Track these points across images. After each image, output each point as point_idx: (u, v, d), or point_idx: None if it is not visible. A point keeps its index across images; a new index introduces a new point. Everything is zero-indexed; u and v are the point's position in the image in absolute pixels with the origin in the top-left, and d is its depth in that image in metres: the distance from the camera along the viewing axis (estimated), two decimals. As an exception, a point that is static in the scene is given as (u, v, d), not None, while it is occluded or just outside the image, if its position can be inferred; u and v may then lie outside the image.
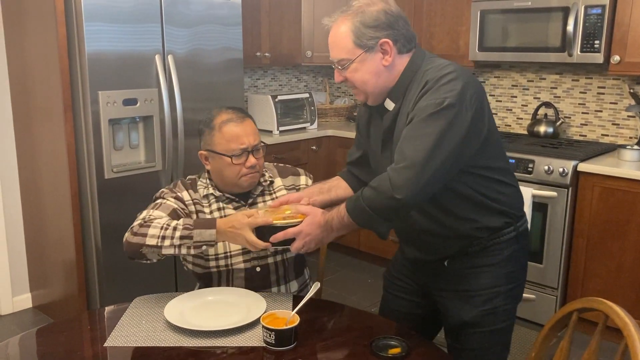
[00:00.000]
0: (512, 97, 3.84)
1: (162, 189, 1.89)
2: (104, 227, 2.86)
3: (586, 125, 3.55)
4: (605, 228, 2.93)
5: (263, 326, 1.46)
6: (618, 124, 3.42)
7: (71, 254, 2.97)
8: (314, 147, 4.06)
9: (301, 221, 1.61)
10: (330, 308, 1.77)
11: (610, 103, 3.43)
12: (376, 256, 3.99)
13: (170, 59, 2.97)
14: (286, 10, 4.02)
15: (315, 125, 4.18)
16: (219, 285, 1.86)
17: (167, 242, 1.64)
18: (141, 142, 3.01)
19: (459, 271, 1.69)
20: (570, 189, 2.99)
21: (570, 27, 3.07)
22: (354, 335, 1.59)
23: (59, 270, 3.12)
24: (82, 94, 2.77)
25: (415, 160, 1.43)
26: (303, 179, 2.02)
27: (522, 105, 3.81)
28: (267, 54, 3.96)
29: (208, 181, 1.90)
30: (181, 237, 1.64)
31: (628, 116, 3.37)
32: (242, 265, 1.84)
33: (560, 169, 2.99)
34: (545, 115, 3.64)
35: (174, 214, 1.77)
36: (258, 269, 1.85)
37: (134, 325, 1.60)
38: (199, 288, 1.89)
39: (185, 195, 1.86)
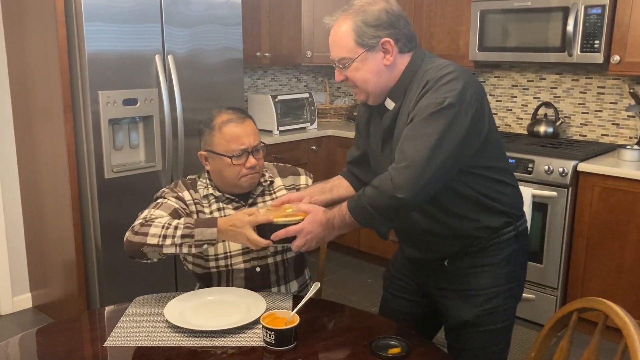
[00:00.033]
0: (512, 97, 3.85)
1: (163, 189, 1.89)
2: (104, 227, 2.86)
3: (586, 125, 3.55)
4: (605, 228, 2.93)
5: (263, 326, 1.46)
6: (618, 124, 3.43)
7: (71, 253, 2.97)
8: (314, 147, 4.06)
9: (302, 219, 1.60)
10: (330, 308, 1.77)
11: (610, 103, 3.43)
12: (376, 256, 3.99)
13: (170, 59, 2.97)
14: (286, 10, 4.02)
15: (315, 125, 4.18)
16: (219, 285, 1.86)
17: (168, 241, 1.64)
18: (141, 142, 3.01)
19: (459, 271, 1.69)
20: (570, 188, 2.99)
21: (570, 27, 3.07)
22: (354, 335, 1.59)
23: (59, 270, 3.12)
24: (82, 93, 2.77)
25: (417, 160, 1.43)
26: (303, 179, 2.02)
27: (522, 105, 3.81)
28: (267, 54, 3.96)
29: (208, 181, 1.90)
30: (182, 236, 1.64)
31: (628, 116, 3.37)
32: (242, 266, 1.84)
33: (560, 169, 2.99)
34: (545, 115, 3.64)
35: (175, 214, 1.77)
36: (258, 269, 1.85)
37: (134, 325, 1.60)
38: (199, 288, 1.89)
39: (186, 195, 1.86)
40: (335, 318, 1.71)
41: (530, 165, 3.09)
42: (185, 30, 3.03)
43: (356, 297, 3.57)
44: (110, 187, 2.86)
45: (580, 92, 3.54)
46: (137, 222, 1.71)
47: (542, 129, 3.56)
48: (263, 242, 1.62)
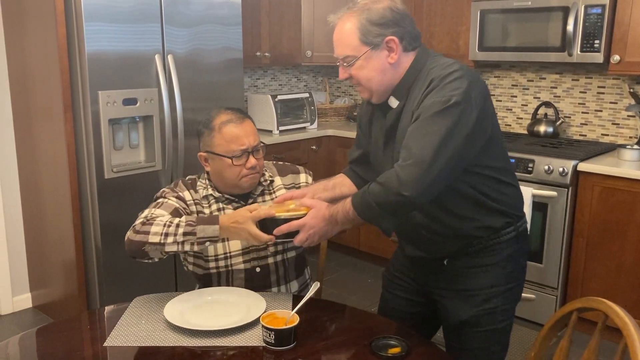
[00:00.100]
0: (512, 96, 3.84)
1: (163, 189, 1.88)
2: (104, 227, 2.86)
3: (586, 124, 3.55)
4: (605, 228, 2.93)
5: (263, 326, 1.46)
6: (618, 124, 3.42)
7: (71, 253, 2.97)
8: (314, 147, 4.06)
9: (305, 214, 1.59)
10: (330, 308, 1.77)
11: (610, 103, 3.43)
12: (376, 256, 3.99)
13: (170, 58, 2.97)
14: (286, 10, 4.02)
15: (315, 125, 4.18)
16: (219, 286, 1.86)
17: (170, 239, 1.64)
18: (141, 142, 3.01)
19: (459, 270, 1.69)
20: (570, 188, 2.99)
21: (570, 27, 3.07)
22: (354, 335, 1.59)
23: (59, 270, 3.12)
24: (82, 93, 2.77)
25: (423, 158, 1.43)
26: (303, 177, 2.02)
27: (522, 105, 3.81)
28: (267, 54, 3.96)
29: (207, 182, 1.90)
30: (184, 234, 1.64)
31: (628, 116, 3.37)
32: (242, 266, 1.84)
33: (560, 169, 2.99)
34: (545, 115, 3.64)
35: (176, 213, 1.77)
36: (258, 269, 1.85)
37: (134, 325, 1.60)
38: (199, 288, 1.89)
39: (187, 195, 1.86)
40: (335, 318, 1.71)
41: (530, 165, 3.09)
42: (185, 30, 3.03)
43: (356, 297, 3.57)
44: (110, 187, 2.86)
45: (580, 92, 3.54)
46: (138, 222, 1.71)
47: (542, 128, 3.56)
48: (265, 237, 1.61)
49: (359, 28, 1.56)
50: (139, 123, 2.99)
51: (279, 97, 4.00)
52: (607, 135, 3.47)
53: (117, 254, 2.90)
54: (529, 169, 3.09)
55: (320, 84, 4.90)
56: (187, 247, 1.65)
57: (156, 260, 1.71)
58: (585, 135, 3.56)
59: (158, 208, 1.77)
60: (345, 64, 1.61)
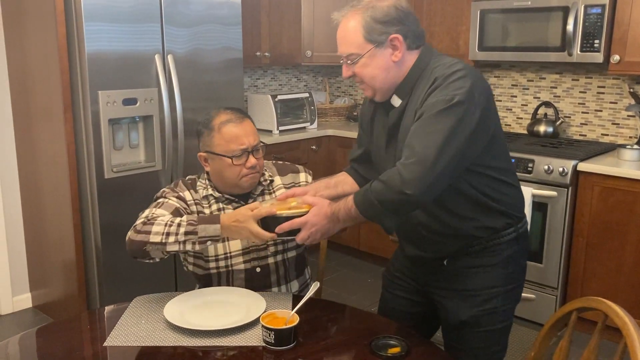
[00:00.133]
0: (512, 96, 3.84)
1: (163, 189, 1.88)
2: (104, 227, 2.86)
3: (586, 124, 3.55)
4: (605, 228, 2.93)
5: (262, 326, 1.46)
6: (618, 124, 3.42)
7: (71, 253, 2.97)
8: (314, 147, 4.06)
9: (307, 211, 1.59)
10: (330, 308, 1.77)
11: (610, 102, 3.43)
12: (376, 256, 3.99)
13: (170, 58, 2.97)
14: (286, 10, 4.02)
15: (315, 125, 4.18)
16: (219, 286, 1.86)
17: (171, 239, 1.64)
18: (141, 141, 3.02)
19: (459, 270, 1.69)
20: (570, 188, 2.99)
21: (570, 27, 3.07)
22: (354, 335, 1.59)
23: (58, 270, 3.12)
24: (82, 93, 2.77)
25: (426, 156, 1.43)
26: (302, 176, 2.01)
27: (522, 104, 3.81)
28: (267, 54, 3.96)
29: (207, 182, 1.90)
30: (186, 233, 1.63)
31: (628, 116, 3.37)
32: (242, 266, 1.83)
33: (560, 169, 2.99)
34: (545, 114, 3.64)
35: (177, 213, 1.77)
36: (258, 269, 1.85)
37: (134, 324, 1.60)
38: (199, 288, 1.89)
39: (187, 195, 1.86)
40: (335, 318, 1.71)
41: (530, 165, 3.09)
42: (185, 30, 3.03)
43: (356, 297, 3.57)
44: (110, 186, 2.86)
45: (580, 92, 3.54)
46: (138, 221, 1.71)
47: (542, 128, 3.56)
48: (267, 235, 1.60)
49: (363, 26, 1.55)
50: (139, 123, 2.99)
51: (279, 97, 4.01)
52: (607, 135, 3.47)
53: (117, 254, 2.90)
54: (529, 168, 3.09)
55: (320, 83, 4.90)
56: (188, 247, 1.65)
57: (157, 260, 1.71)
58: (585, 135, 3.56)
59: (159, 208, 1.77)
60: (349, 62, 1.60)
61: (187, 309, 1.64)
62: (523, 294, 1.78)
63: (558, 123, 3.55)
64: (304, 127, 4.14)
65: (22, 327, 3.17)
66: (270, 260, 1.86)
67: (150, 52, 2.90)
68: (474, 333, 1.67)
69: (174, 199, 1.82)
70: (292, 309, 1.54)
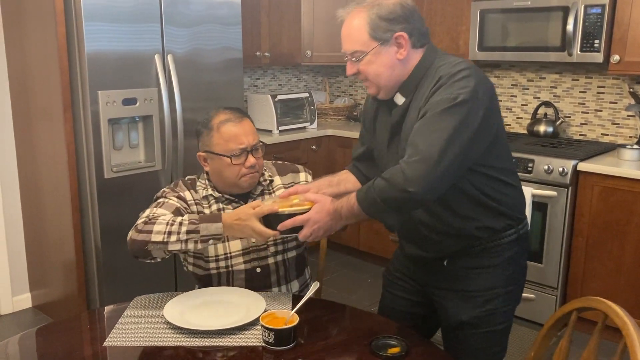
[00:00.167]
0: (512, 96, 3.84)
1: (163, 189, 1.88)
2: (104, 227, 2.86)
3: (586, 124, 3.55)
4: (605, 227, 2.93)
5: (262, 326, 1.46)
6: (618, 124, 3.42)
7: (71, 253, 2.97)
8: (314, 147, 4.06)
9: (309, 208, 1.58)
10: (330, 308, 1.77)
11: (610, 102, 3.43)
12: (376, 256, 3.99)
13: (169, 58, 2.97)
14: (286, 9, 4.02)
15: (315, 124, 4.18)
16: (219, 286, 1.85)
17: (173, 238, 1.63)
18: (141, 141, 3.01)
19: (459, 271, 1.68)
20: (570, 188, 2.99)
21: (570, 27, 3.07)
22: (354, 334, 1.59)
23: (58, 270, 3.12)
24: (81, 93, 2.77)
25: (429, 154, 1.42)
26: (302, 176, 2.01)
27: (521, 104, 3.81)
28: (266, 54, 3.96)
29: (207, 182, 1.90)
30: (188, 232, 1.63)
31: (628, 115, 3.37)
32: (242, 267, 1.83)
33: (560, 169, 2.99)
34: (545, 114, 3.64)
35: (178, 213, 1.76)
36: (258, 269, 1.85)
37: (134, 324, 1.60)
38: (199, 288, 1.88)
39: (187, 195, 1.86)
40: (335, 318, 1.71)
41: (530, 164, 3.09)
42: (185, 30, 3.03)
43: (356, 297, 3.57)
44: (110, 186, 2.86)
45: (580, 92, 3.54)
46: (139, 221, 1.71)
47: (542, 128, 3.56)
48: (270, 232, 1.60)
49: (368, 23, 1.55)
50: (139, 123, 2.99)
51: (279, 97, 4.00)
52: (607, 135, 3.47)
53: (117, 254, 2.90)
54: (529, 168, 3.09)
55: (320, 83, 4.90)
56: (190, 246, 1.64)
57: (159, 260, 1.70)
58: (585, 135, 3.56)
59: (159, 207, 1.76)
60: (353, 59, 1.60)
61: (186, 309, 1.64)
62: (523, 294, 1.77)
63: (558, 123, 3.55)
64: (304, 127, 4.14)
65: (21, 327, 3.17)
66: (271, 260, 1.86)
67: (150, 52, 2.90)
68: (473, 334, 1.67)
69: (175, 198, 1.82)
70: (292, 309, 1.54)
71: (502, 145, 1.62)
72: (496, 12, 3.37)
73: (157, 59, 2.92)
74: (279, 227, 1.58)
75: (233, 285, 1.84)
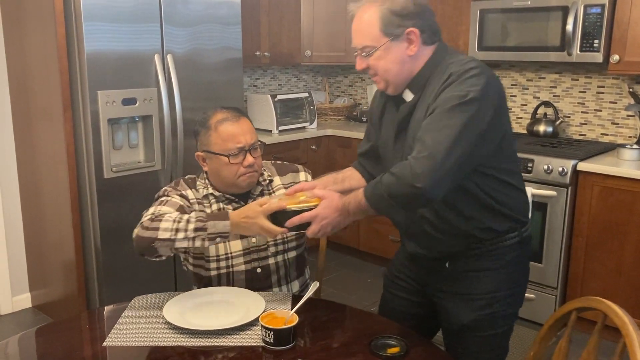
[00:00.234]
0: (511, 96, 3.84)
1: (165, 188, 1.87)
2: (104, 227, 2.86)
3: (585, 124, 3.55)
4: (604, 227, 2.93)
5: (262, 325, 1.46)
6: (617, 123, 3.43)
7: (70, 253, 2.97)
8: (314, 147, 4.06)
9: (317, 205, 1.57)
10: (330, 307, 1.76)
11: (610, 102, 3.43)
12: (376, 256, 3.99)
13: (169, 58, 2.97)
14: (286, 9, 4.02)
15: (314, 124, 4.18)
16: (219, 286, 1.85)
17: (180, 235, 1.62)
18: (140, 141, 3.01)
19: (460, 274, 1.68)
20: (569, 188, 2.99)
21: (569, 27, 3.07)
22: (353, 334, 1.59)
23: (58, 270, 3.12)
24: (81, 93, 2.77)
25: (437, 151, 1.42)
26: (302, 175, 2.00)
27: (521, 104, 3.81)
28: (266, 54, 3.96)
29: (207, 181, 1.89)
30: (195, 229, 1.62)
31: (627, 115, 3.37)
32: (242, 267, 1.83)
33: (560, 168, 2.99)
34: (545, 114, 3.64)
35: (182, 211, 1.75)
36: (259, 270, 1.85)
37: (133, 324, 1.60)
38: (198, 289, 1.88)
39: (189, 193, 1.85)
40: (335, 318, 1.71)
41: (530, 164, 3.09)
42: (185, 29, 3.03)
43: (356, 297, 3.57)
44: (110, 186, 2.86)
45: (580, 92, 3.54)
46: (145, 219, 1.69)
47: (541, 128, 3.56)
48: (278, 230, 1.58)
49: (380, 18, 1.54)
50: (138, 123, 2.99)
51: (279, 97, 4.00)
52: (607, 134, 3.47)
53: (117, 254, 2.90)
54: (529, 168, 3.09)
55: (320, 83, 4.90)
56: (197, 243, 1.63)
57: (164, 258, 1.69)
58: (585, 135, 3.56)
59: (164, 205, 1.75)
60: (364, 54, 1.59)
61: (186, 309, 1.64)
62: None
63: (557, 123, 3.55)
64: (304, 127, 4.14)
65: (21, 327, 3.17)
66: (271, 260, 1.86)
67: (149, 52, 2.90)
68: (475, 337, 1.67)
69: (178, 197, 1.81)
70: (292, 309, 1.54)
71: (509, 147, 1.61)
72: (496, 12, 3.37)
73: (157, 59, 2.92)
74: (287, 223, 1.57)
75: (234, 286, 1.83)
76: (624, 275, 2.90)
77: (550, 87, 3.66)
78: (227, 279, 1.84)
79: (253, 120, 1.91)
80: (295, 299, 1.71)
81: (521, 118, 3.82)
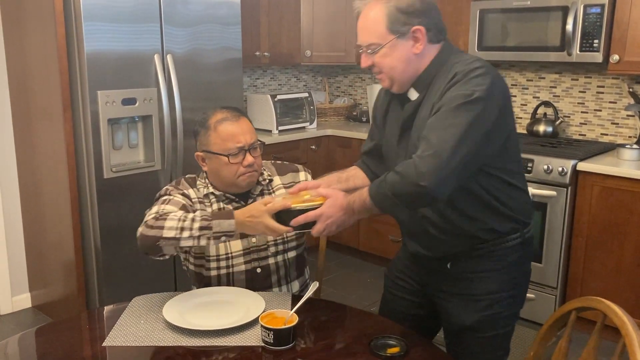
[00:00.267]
0: (511, 96, 3.84)
1: (167, 187, 1.86)
2: (103, 227, 2.86)
3: (585, 124, 3.55)
4: (604, 227, 2.93)
5: (262, 325, 1.46)
6: (617, 123, 3.43)
7: (70, 253, 2.97)
8: (313, 147, 4.06)
9: (322, 204, 1.56)
10: (330, 307, 1.76)
11: (610, 102, 3.43)
12: (376, 256, 3.99)
13: (169, 58, 2.97)
14: (285, 9, 4.02)
15: (314, 124, 4.18)
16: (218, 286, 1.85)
17: (185, 234, 1.62)
18: (140, 141, 3.01)
19: (462, 275, 1.67)
20: (569, 188, 2.99)
21: (569, 27, 3.07)
22: (353, 334, 1.59)
23: (58, 270, 3.12)
24: (81, 93, 2.77)
25: (442, 149, 1.41)
26: (302, 175, 2.00)
27: (521, 104, 3.81)
28: (266, 54, 3.96)
29: (207, 181, 1.89)
30: (200, 228, 1.62)
31: (627, 115, 3.37)
32: (242, 267, 1.83)
33: (560, 168, 2.99)
34: (545, 114, 3.64)
35: (184, 210, 1.75)
36: (259, 270, 1.85)
37: (133, 324, 1.60)
38: (197, 289, 1.88)
39: (191, 192, 1.85)
40: (334, 318, 1.71)
41: (530, 164, 3.09)
42: (184, 29, 3.03)
43: (356, 297, 3.57)
44: (110, 186, 2.86)
45: (580, 92, 3.54)
46: (149, 217, 1.69)
47: (541, 128, 3.56)
48: (283, 228, 1.57)
49: (387, 15, 1.54)
50: (138, 123, 2.99)
51: (278, 97, 4.00)
52: (607, 134, 3.47)
53: (117, 254, 2.90)
54: (528, 168, 3.09)
55: (320, 83, 4.90)
56: (203, 242, 1.63)
57: (167, 257, 1.69)
58: (585, 135, 3.56)
59: (167, 204, 1.75)
60: (369, 51, 1.58)
61: (186, 309, 1.64)
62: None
63: (557, 123, 3.55)
64: (304, 127, 4.14)
65: (21, 327, 3.17)
66: (271, 260, 1.86)
67: (149, 52, 2.90)
68: (476, 338, 1.66)
69: (180, 195, 1.81)
70: (291, 309, 1.54)
71: (513, 148, 1.61)
72: (496, 11, 3.37)
73: (157, 59, 2.92)
74: (292, 222, 1.56)
75: (234, 286, 1.83)
76: (624, 275, 2.90)
77: (550, 87, 3.66)
78: (227, 279, 1.84)
79: (253, 121, 1.91)
80: (295, 299, 1.71)
81: (521, 118, 3.82)
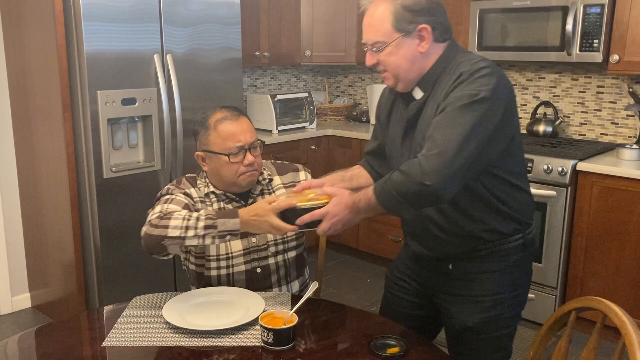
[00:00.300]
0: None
1: (168, 186, 1.86)
2: (103, 227, 2.86)
3: (585, 124, 3.55)
4: (604, 227, 2.93)
5: (261, 326, 1.46)
6: (617, 123, 3.43)
7: (70, 253, 2.97)
8: (313, 147, 4.06)
9: (327, 202, 1.55)
10: (329, 307, 1.76)
11: (610, 102, 3.43)
12: (375, 256, 3.99)
13: (169, 58, 2.97)
14: (285, 9, 4.02)
15: (314, 124, 4.18)
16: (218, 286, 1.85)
17: (190, 233, 1.61)
18: (140, 141, 3.01)
19: (464, 275, 1.67)
20: (569, 188, 2.99)
21: (569, 27, 3.07)
22: (353, 334, 1.59)
23: (58, 270, 3.12)
24: (80, 93, 2.77)
25: (447, 148, 1.41)
26: (302, 175, 2.00)
27: (521, 104, 3.81)
28: (266, 54, 3.96)
29: (207, 180, 1.89)
30: (205, 227, 1.61)
31: (627, 115, 3.37)
32: (242, 267, 1.83)
33: (560, 168, 2.99)
34: (545, 114, 3.64)
35: (187, 209, 1.75)
36: (259, 270, 1.85)
37: (133, 324, 1.60)
38: (197, 289, 1.88)
39: (193, 192, 1.85)
40: (334, 318, 1.71)
41: (530, 164, 3.09)
42: (184, 29, 3.03)
43: (355, 297, 3.57)
44: (109, 186, 2.86)
45: (580, 92, 3.54)
46: (153, 217, 1.68)
47: (541, 128, 3.56)
48: (288, 227, 1.57)
49: (393, 13, 1.53)
50: (138, 123, 2.99)
51: (278, 97, 4.00)
52: (607, 134, 3.47)
53: (116, 254, 2.90)
54: (528, 168, 3.09)
55: (320, 83, 4.90)
56: (208, 241, 1.62)
57: (171, 256, 1.69)
58: (585, 135, 3.56)
59: (170, 203, 1.74)
60: (374, 50, 1.58)
61: (185, 309, 1.64)
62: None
63: (557, 123, 3.55)
64: (303, 127, 4.14)
65: (21, 327, 3.17)
66: (271, 260, 1.86)
67: (149, 51, 2.90)
68: (478, 339, 1.66)
69: (182, 195, 1.81)
70: (291, 309, 1.54)
71: (517, 149, 1.61)
72: (495, 11, 3.37)
73: (157, 59, 2.92)
74: (298, 221, 1.55)
75: (234, 286, 1.83)
76: (624, 275, 2.90)
77: (550, 87, 3.66)
78: (227, 279, 1.84)
79: (253, 120, 1.91)
80: (295, 299, 1.71)
81: (521, 118, 3.81)
